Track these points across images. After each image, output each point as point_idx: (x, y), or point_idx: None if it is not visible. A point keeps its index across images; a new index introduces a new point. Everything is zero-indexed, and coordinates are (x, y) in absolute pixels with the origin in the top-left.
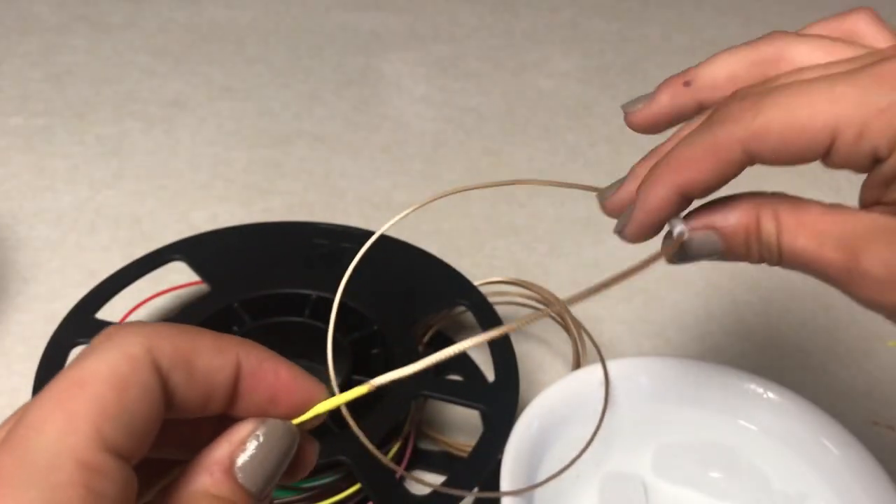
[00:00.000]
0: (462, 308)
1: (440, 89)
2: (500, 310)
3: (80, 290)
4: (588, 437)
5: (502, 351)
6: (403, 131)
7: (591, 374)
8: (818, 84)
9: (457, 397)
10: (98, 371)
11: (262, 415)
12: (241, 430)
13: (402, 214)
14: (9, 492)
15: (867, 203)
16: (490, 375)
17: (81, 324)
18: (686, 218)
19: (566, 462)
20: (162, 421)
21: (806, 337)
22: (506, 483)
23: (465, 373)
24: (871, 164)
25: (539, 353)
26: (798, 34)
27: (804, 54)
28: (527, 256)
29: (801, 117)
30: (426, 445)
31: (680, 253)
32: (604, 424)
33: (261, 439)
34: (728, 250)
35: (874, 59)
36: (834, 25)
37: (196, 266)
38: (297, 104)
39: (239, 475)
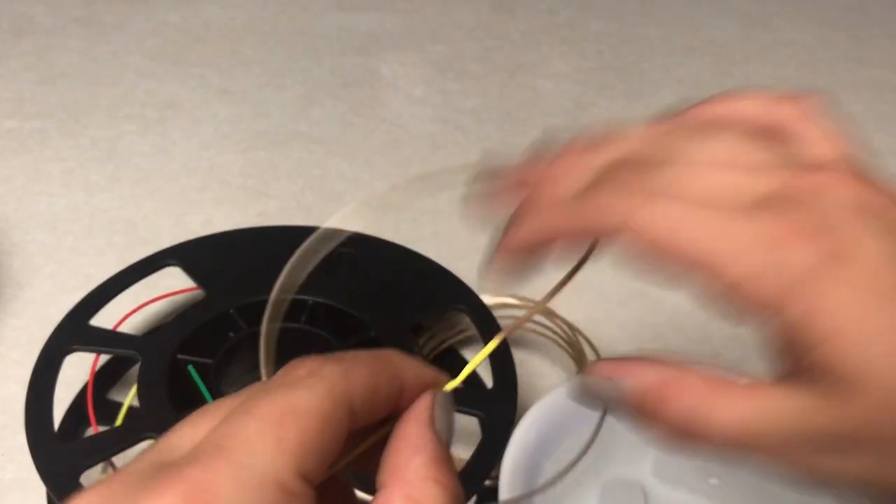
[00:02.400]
0: (460, 312)
1: (438, 90)
2: (498, 313)
3: (75, 294)
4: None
5: (501, 357)
6: (401, 133)
7: None
8: (713, 214)
9: (455, 404)
10: (309, 405)
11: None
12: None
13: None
14: (222, 502)
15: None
16: (489, 382)
17: (76, 329)
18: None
19: (565, 469)
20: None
21: None
22: (504, 490)
23: (463, 379)
24: (745, 319)
25: (538, 358)
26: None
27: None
28: None
29: (680, 240)
30: None
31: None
32: (604, 431)
33: (439, 401)
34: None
35: (783, 189)
36: (769, 109)
37: (191, 271)
38: (294, 106)
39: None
